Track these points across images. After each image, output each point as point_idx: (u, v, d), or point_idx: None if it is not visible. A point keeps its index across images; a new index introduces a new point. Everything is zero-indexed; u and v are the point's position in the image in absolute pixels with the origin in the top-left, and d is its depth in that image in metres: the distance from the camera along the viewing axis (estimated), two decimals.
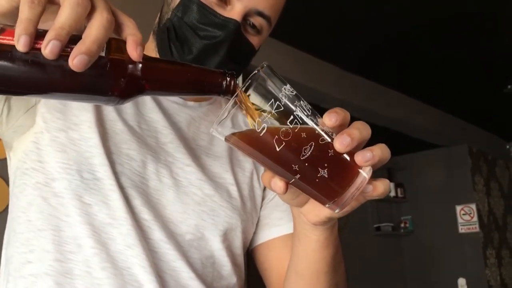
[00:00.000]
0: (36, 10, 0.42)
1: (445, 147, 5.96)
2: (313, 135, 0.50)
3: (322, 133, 0.50)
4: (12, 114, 0.72)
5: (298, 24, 3.39)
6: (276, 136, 0.49)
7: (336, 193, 0.51)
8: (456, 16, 3.43)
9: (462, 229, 5.82)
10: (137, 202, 0.71)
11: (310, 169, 0.50)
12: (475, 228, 5.72)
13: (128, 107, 0.77)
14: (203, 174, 0.79)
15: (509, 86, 4.62)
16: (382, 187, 0.52)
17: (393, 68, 4.32)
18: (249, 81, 0.49)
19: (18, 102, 0.71)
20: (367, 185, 0.52)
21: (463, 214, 5.82)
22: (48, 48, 0.42)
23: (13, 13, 0.44)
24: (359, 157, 0.50)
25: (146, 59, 0.50)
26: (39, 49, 0.43)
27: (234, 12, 0.73)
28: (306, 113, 0.50)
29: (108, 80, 0.48)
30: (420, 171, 6.30)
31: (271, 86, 0.50)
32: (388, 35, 3.69)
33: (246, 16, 0.74)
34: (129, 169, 0.72)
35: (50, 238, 0.68)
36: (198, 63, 0.72)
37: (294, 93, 0.51)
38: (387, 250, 6.17)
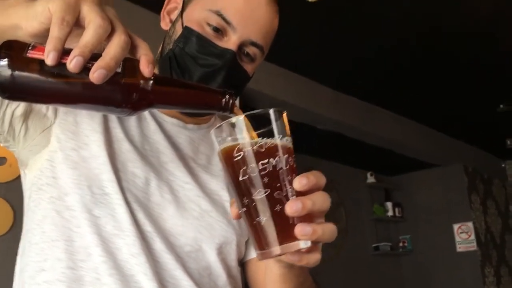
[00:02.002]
0: (64, 30, 0.51)
1: (441, 166, 6.02)
2: (274, 185, 0.52)
3: (284, 189, 0.53)
4: (29, 134, 0.78)
5: (293, 48, 3.49)
6: (245, 167, 0.52)
7: (264, 244, 0.53)
8: (449, 36, 3.53)
9: (460, 248, 5.83)
10: (141, 215, 0.77)
11: (254, 210, 0.53)
12: (473, 246, 5.74)
13: (133, 129, 0.84)
14: (201, 191, 0.85)
15: (501, 105, 4.71)
16: (305, 261, 0.55)
17: (386, 89, 4.40)
18: (259, 112, 0.53)
19: (35, 122, 0.78)
20: (294, 253, 0.54)
21: (461, 233, 5.85)
22: (73, 63, 0.50)
23: (43, 34, 0.52)
24: (298, 229, 0.52)
25: (156, 76, 0.56)
26: (65, 64, 0.51)
27: (230, 42, 0.80)
28: (284, 166, 0.53)
29: (122, 93, 0.55)
30: (417, 191, 6.34)
31: (272, 127, 0.53)
32: (381, 58, 3.78)
33: (241, 46, 0.81)
34: (134, 186, 0.79)
35: (62, 248, 0.74)
36: None
37: (288, 146, 0.54)
38: (386, 269, 6.17)
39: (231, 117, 0.56)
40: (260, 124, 0.55)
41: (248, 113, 0.54)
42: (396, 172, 6.50)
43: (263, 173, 0.52)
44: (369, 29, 3.38)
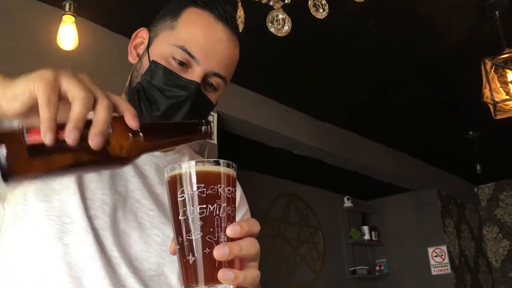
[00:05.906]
0: (52, 110, 0.55)
1: (415, 191, 6.14)
2: (207, 229, 0.56)
3: (216, 234, 0.56)
4: None
5: (272, 77, 3.61)
6: (185, 208, 0.56)
7: (190, 281, 0.57)
8: (421, 68, 3.69)
9: (434, 271, 5.92)
10: (108, 242, 0.82)
11: (186, 248, 0.56)
12: (447, 269, 5.83)
13: None
14: (164, 218, 0.90)
15: (470, 133, 4.88)
16: None
17: (362, 117, 4.53)
18: (212, 160, 0.58)
19: None
20: None
21: (435, 256, 5.94)
22: (71, 137, 0.55)
23: (25, 113, 0.57)
24: (220, 274, 0.55)
25: (142, 127, 0.62)
26: (62, 139, 0.54)
27: (195, 74, 0.87)
28: (221, 213, 0.56)
29: (118, 150, 0.60)
30: (393, 215, 6.44)
31: (219, 176, 0.58)
32: (358, 88, 3.91)
33: (205, 77, 0.88)
34: (102, 213, 0.83)
35: (36, 276, 0.78)
36: (165, 118, 0.86)
37: (228, 196, 0.58)
38: None
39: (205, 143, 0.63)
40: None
41: (200, 160, 0.58)
42: (372, 197, 6.61)
43: (200, 216, 0.56)
44: (347, 62, 3.54)
